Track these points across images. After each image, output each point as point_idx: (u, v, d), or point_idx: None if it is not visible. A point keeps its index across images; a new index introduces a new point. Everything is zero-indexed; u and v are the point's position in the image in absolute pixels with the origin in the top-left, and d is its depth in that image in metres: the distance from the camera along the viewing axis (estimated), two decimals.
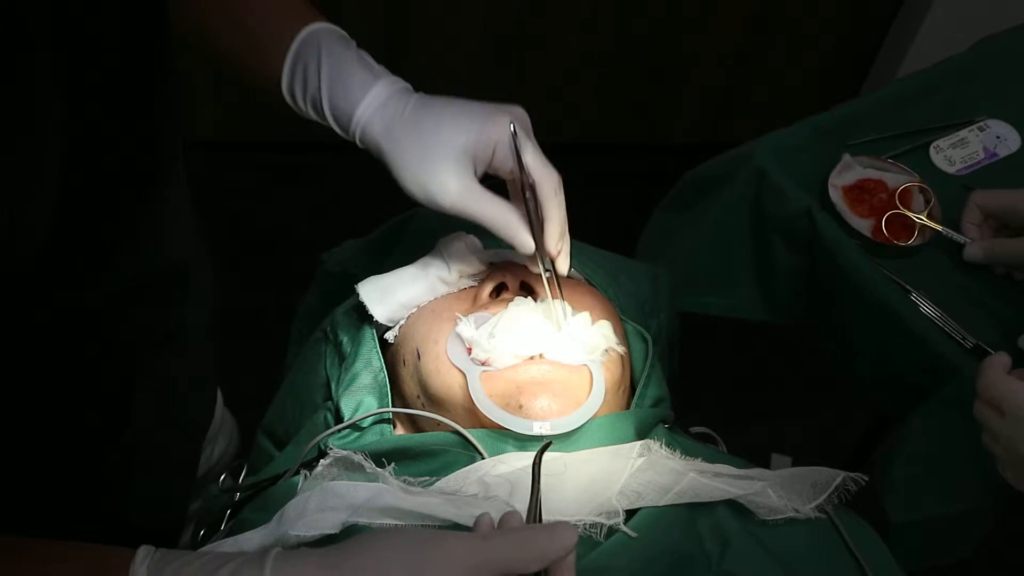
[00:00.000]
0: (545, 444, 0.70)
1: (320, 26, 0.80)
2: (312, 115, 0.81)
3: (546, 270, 0.81)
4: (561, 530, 0.54)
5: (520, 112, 0.79)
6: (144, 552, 0.55)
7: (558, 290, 0.81)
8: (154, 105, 0.65)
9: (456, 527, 0.68)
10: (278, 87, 0.80)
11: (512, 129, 0.75)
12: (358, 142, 0.79)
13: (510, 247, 0.80)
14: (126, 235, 0.68)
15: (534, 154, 0.77)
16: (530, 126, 0.79)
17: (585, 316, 0.82)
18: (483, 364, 0.78)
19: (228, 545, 0.70)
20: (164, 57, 0.64)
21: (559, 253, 0.80)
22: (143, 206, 0.69)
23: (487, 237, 0.88)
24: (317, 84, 0.78)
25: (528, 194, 0.77)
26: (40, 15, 0.51)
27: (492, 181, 0.79)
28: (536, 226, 0.78)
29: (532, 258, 0.81)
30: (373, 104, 0.78)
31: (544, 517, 0.68)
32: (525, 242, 0.78)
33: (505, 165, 0.78)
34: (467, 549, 0.53)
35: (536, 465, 0.66)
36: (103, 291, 0.68)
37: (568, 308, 0.82)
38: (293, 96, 0.80)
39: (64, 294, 0.64)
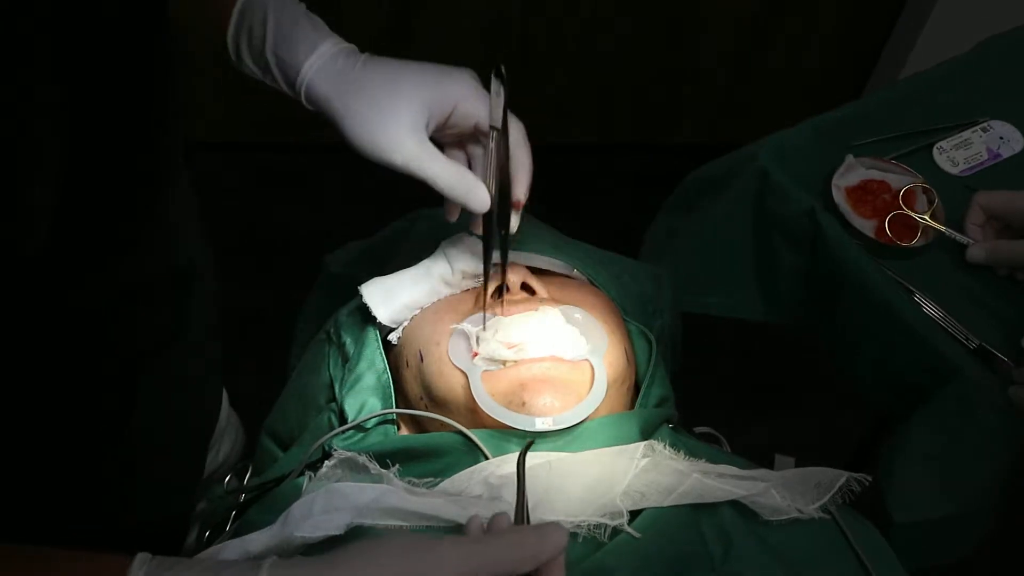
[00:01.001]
0: (527, 443, 0.70)
1: None
2: (256, 72, 0.79)
3: (501, 231, 0.79)
4: (551, 531, 0.54)
5: (471, 71, 0.78)
6: (141, 559, 0.55)
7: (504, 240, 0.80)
8: (155, 104, 0.65)
9: (460, 528, 0.68)
10: (224, 41, 0.78)
11: (501, 70, 0.72)
12: (303, 99, 0.77)
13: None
14: (129, 234, 0.68)
15: (500, 104, 0.75)
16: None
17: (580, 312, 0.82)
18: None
19: (233, 546, 0.70)
20: (164, 56, 0.65)
21: (523, 203, 0.79)
22: (146, 205, 0.69)
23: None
24: (262, 35, 0.76)
25: (494, 143, 0.74)
26: (39, 15, 0.51)
27: None
28: (495, 182, 0.76)
29: (478, 222, 0.79)
30: (322, 58, 0.75)
31: (547, 517, 0.68)
32: (481, 197, 0.76)
33: (466, 121, 0.76)
34: (459, 553, 0.53)
35: (520, 465, 0.66)
36: (106, 290, 0.68)
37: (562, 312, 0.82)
38: (238, 50, 0.78)
39: (66, 294, 0.64)
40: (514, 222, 0.80)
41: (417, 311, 0.86)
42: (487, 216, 0.78)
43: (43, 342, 0.66)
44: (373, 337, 0.86)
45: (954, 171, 1.16)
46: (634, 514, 0.71)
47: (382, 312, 0.86)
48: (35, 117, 0.53)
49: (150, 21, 0.62)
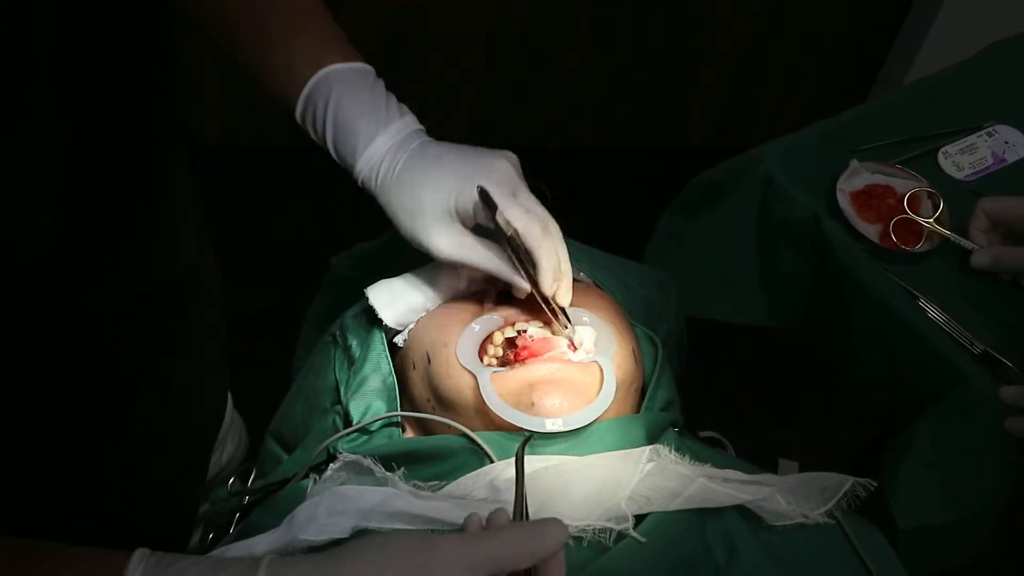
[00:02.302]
0: (526, 437, 0.70)
1: (339, 67, 0.82)
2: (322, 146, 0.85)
3: (548, 306, 0.81)
4: (551, 526, 0.54)
5: (509, 158, 0.81)
6: (140, 555, 0.55)
7: (564, 317, 0.81)
8: (153, 111, 0.65)
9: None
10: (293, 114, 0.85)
11: (479, 191, 0.77)
12: (361, 186, 0.84)
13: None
14: (127, 238, 0.68)
15: (514, 204, 0.78)
16: (519, 169, 0.81)
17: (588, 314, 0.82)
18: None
19: (237, 549, 0.70)
20: (163, 64, 0.65)
21: (556, 291, 0.81)
22: (144, 209, 0.69)
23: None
24: (323, 128, 0.82)
25: (508, 247, 0.78)
26: (38, 22, 0.52)
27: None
28: (528, 269, 0.79)
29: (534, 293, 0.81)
30: (370, 162, 0.81)
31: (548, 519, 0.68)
32: (520, 285, 0.80)
33: (490, 222, 0.79)
34: (457, 549, 0.53)
35: (519, 459, 0.66)
36: (106, 296, 0.68)
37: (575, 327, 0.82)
38: (305, 128, 0.85)
39: (66, 300, 0.65)
40: (563, 300, 0.82)
41: (423, 313, 0.87)
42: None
43: (44, 348, 0.66)
44: (379, 339, 0.87)
45: (959, 176, 1.16)
46: (639, 518, 0.71)
47: (388, 314, 0.86)
48: (31, 123, 0.53)
49: (149, 31, 0.62)
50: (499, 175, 0.79)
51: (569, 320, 0.81)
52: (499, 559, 0.53)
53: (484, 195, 0.77)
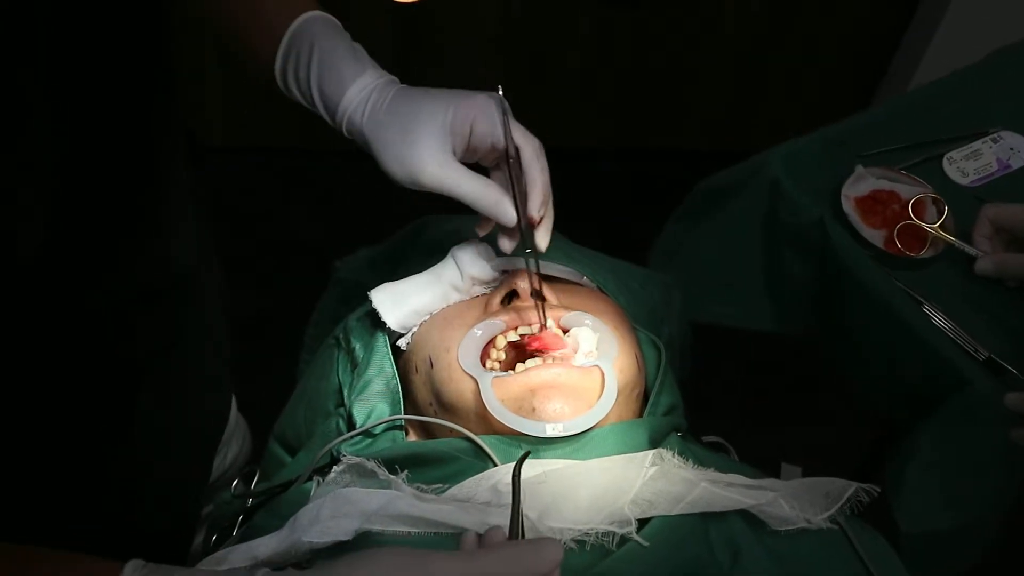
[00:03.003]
0: (523, 455, 0.68)
1: (314, 15, 0.82)
2: (303, 102, 0.84)
3: (527, 252, 0.81)
4: (546, 546, 0.53)
5: (493, 96, 0.81)
6: (133, 566, 0.55)
7: (537, 278, 0.82)
8: (152, 108, 0.66)
9: (465, 531, 0.68)
10: (272, 73, 0.83)
11: (500, 91, 0.78)
12: (344, 131, 0.82)
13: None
14: (126, 238, 0.68)
15: (515, 124, 0.79)
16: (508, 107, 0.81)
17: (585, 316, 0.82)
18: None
19: (240, 551, 0.70)
20: (161, 59, 0.65)
21: (541, 220, 0.82)
22: (144, 209, 0.69)
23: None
24: (307, 69, 0.81)
25: (511, 161, 0.78)
26: (39, 17, 0.52)
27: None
28: (519, 197, 0.79)
29: (512, 232, 0.82)
30: (360, 94, 0.80)
31: (555, 525, 0.68)
32: (506, 212, 0.79)
33: (484, 142, 0.79)
34: (450, 568, 0.52)
35: (516, 477, 0.64)
36: (105, 295, 0.68)
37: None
38: (286, 81, 0.83)
39: (65, 300, 0.65)
40: (541, 240, 0.83)
41: (427, 317, 0.87)
42: (520, 236, 0.81)
43: (43, 347, 0.66)
44: (382, 343, 0.87)
45: (964, 182, 1.15)
46: (642, 522, 0.71)
47: (391, 317, 0.86)
48: (31, 123, 0.53)
49: (147, 30, 0.63)
50: (491, 103, 0.80)
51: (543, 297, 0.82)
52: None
53: (501, 103, 0.78)
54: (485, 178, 0.80)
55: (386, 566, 0.53)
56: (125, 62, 0.61)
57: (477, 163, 0.82)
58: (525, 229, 0.81)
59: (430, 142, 0.78)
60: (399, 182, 0.80)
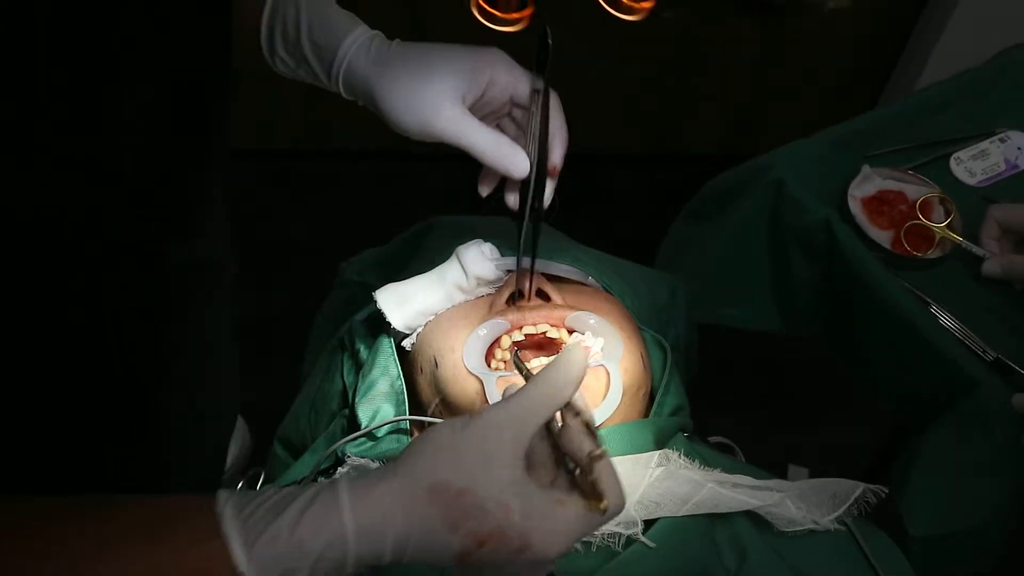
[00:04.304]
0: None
1: None
2: (290, 63, 0.80)
3: (533, 208, 0.79)
4: (569, 352, 0.55)
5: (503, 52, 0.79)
6: (225, 495, 0.55)
7: (534, 233, 0.80)
8: (215, 103, 0.66)
9: None
10: (255, 37, 0.80)
11: (547, 32, 0.74)
12: (340, 84, 0.79)
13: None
14: (177, 228, 0.68)
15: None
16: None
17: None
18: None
19: None
20: (227, 56, 0.66)
21: (559, 169, 0.79)
22: (191, 207, 0.69)
23: (504, 246, 0.88)
24: (296, 24, 0.78)
25: (535, 107, 0.76)
26: (137, 21, 0.52)
27: None
28: (534, 146, 0.77)
29: (516, 184, 0.79)
30: (358, 41, 0.77)
31: None
32: (520, 162, 0.76)
33: (503, 92, 0.77)
34: (504, 415, 0.54)
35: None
36: (143, 291, 0.68)
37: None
38: (272, 42, 0.80)
39: (96, 290, 0.64)
40: (548, 191, 0.80)
41: (431, 317, 0.86)
42: (523, 190, 0.79)
43: (71, 340, 0.66)
44: (387, 343, 0.86)
45: (971, 182, 1.15)
46: (648, 523, 0.71)
47: (396, 318, 0.86)
48: (119, 113, 0.53)
49: (217, 35, 0.63)
50: (507, 56, 0.78)
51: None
52: (544, 399, 0.55)
53: (543, 41, 0.74)
54: (497, 132, 0.77)
55: (447, 435, 0.54)
56: (199, 60, 0.61)
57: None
58: (526, 235, 0.79)
59: (445, 88, 0.74)
60: (406, 130, 0.76)
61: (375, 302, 0.87)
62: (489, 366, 0.79)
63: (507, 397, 0.56)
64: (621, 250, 1.04)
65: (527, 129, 0.77)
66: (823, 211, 1.10)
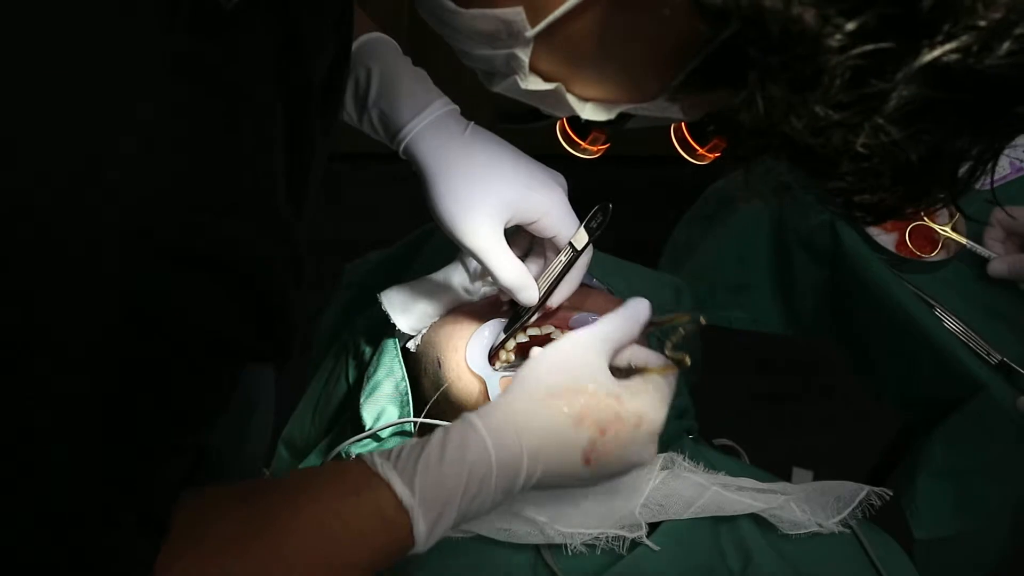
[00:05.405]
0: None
1: (378, 35, 0.79)
2: (352, 118, 0.80)
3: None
4: (634, 303, 0.68)
5: (562, 184, 0.79)
6: (379, 457, 0.60)
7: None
8: (338, 100, 0.67)
9: (478, 536, 0.68)
10: None
11: (608, 209, 0.79)
12: (401, 152, 0.78)
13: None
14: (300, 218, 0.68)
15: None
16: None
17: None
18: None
19: None
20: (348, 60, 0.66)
21: (552, 310, 0.81)
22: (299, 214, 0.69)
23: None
24: (367, 87, 0.77)
25: (564, 256, 0.78)
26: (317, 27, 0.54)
27: None
28: (545, 283, 0.79)
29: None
30: (428, 117, 0.77)
31: (565, 529, 0.68)
32: (531, 297, 0.78)
33: (545, 232, 0.78)
34: (589, 338, 0.65)
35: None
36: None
37: None
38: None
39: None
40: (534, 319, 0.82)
41: (436, 318, 0.86)
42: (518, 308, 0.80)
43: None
44: (392, 345, 0.86)
45: (976, 184, 1.15)
46: (653, 526, 0.71)
47: (401, 320, 0.86)
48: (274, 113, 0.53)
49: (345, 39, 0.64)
50: (564, 199, 0.78)
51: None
52: (619, 332, 0.67)
53: (605, 210, 0.78)
54: (521, 263, 0.77)
55: (547, 355, 0.65)
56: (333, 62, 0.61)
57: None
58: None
59: (492, 212, 0.75)
60: (438, 224, 0.77)
61: (380, 304, 0.87)
62: (493, 367, 0.79)
63: (589, 326, 0.66)
64: (625, 251, 1.04)
65: (546, 260, 0.80)
66: (827, 213, 1.10)
